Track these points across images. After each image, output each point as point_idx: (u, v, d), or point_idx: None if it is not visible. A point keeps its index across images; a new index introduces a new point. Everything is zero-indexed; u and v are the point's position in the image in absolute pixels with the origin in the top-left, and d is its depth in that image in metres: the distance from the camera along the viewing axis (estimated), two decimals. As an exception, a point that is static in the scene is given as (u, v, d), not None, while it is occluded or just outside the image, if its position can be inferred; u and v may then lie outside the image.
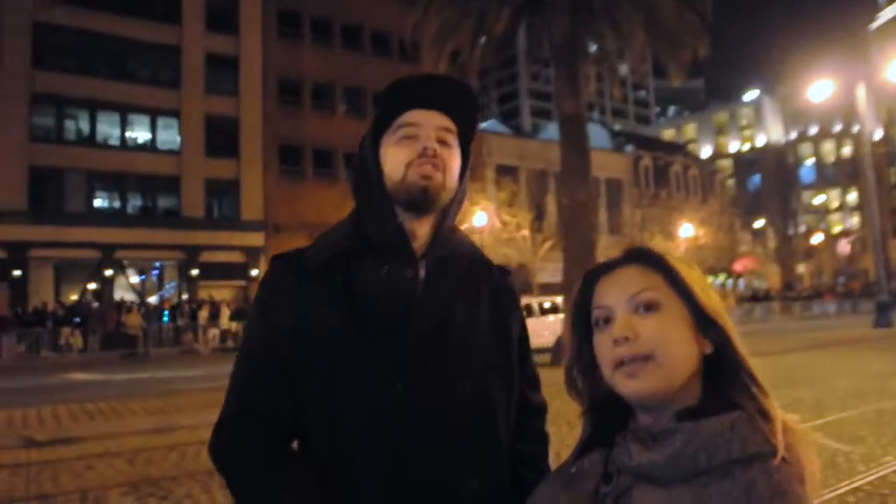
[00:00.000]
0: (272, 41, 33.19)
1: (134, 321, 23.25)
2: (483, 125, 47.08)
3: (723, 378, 1.01)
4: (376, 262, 1.32)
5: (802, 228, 70.93)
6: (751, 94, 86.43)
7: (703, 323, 1.02)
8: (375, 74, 34.05)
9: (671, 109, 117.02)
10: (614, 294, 1.05)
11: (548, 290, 35.17)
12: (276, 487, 1.22)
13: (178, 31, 30.95)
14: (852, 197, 75.78)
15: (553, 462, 1.40)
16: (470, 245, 1.47)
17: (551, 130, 45.64)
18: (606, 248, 20.22)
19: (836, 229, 70.73)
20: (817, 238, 57.46)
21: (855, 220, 74.36)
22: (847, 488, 5.25)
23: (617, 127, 65.56)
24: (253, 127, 32.18)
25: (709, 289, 1.05)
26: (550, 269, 34.66)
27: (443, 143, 1.36)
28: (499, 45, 16.67)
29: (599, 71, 20.29)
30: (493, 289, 1.43)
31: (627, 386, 1.00)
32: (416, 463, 1.24)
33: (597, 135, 26.27)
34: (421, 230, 1.37)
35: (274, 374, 1.29)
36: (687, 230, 39.28)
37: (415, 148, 1.33)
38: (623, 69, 21.06)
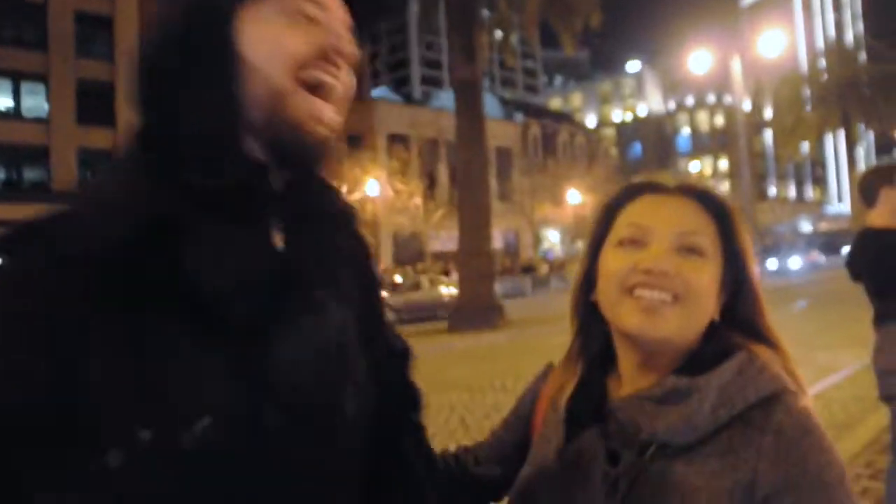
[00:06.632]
0: None
1: None
2: (373, 93, 46.52)
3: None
4: (217, 231, 0.70)
5: (679, 194, 74.96)
6: (633, 66, 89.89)
7: (729, 287, 0.93)
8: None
9: (558, 79, 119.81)
10: (661, 221, 0.91)
11: (441, 258, 35.62)
12: None
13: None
14: (724, 164, 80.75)
15: (458, 427, 1.29)
16: (330, 188, 0.87)
17: (443, 98, 45.69)
18: (496, 215, 20.58)
19: (710, 195, 75.04)
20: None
21: (725, 186, 79.32)
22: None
23: (506, 95, 66.44)
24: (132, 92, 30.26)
25: (752, 254, 0.95)
26: (443, 237, 35.09)
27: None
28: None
29: (491, 40, 20.49)
30: (350, 244, 0.88)
31: (636, 319, 0.86)
32: None
33: (487, 103, 26.53)
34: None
35: None
36: (574, 197, 40.62)
37: (317, 37, 0.76)
38: (513, 38, 21.34)
